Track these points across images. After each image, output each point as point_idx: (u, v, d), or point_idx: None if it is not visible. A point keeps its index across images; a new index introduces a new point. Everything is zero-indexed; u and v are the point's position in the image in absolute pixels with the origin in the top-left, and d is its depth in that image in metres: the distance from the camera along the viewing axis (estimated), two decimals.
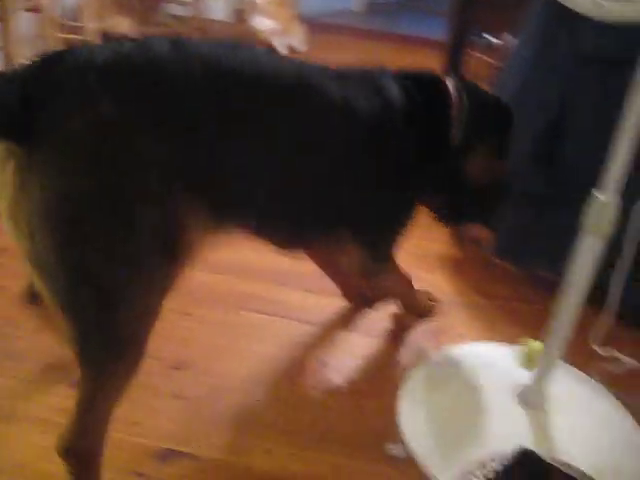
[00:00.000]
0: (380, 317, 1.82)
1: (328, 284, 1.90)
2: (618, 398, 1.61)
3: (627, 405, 1.60)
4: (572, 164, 1.83)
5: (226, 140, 1.13)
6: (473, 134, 1.49)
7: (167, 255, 1.08)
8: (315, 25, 5.22)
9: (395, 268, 1.63)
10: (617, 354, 1.71)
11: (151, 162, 1.02)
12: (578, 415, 1.55)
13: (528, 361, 1.64)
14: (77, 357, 1.04)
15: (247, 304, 1.82)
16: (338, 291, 1.88)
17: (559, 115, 1.84)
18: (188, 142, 1.07)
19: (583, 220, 1.29)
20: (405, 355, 1.70)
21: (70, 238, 0.97)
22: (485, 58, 3.50)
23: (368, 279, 1.62)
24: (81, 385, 1.07)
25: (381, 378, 1.61)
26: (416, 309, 1.80)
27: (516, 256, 2.03)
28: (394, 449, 1.41)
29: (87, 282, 1.00)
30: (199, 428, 1.41)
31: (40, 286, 1.01)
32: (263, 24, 4.46)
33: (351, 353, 1.69)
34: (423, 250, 2.15)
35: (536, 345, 1.63)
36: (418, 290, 1.78)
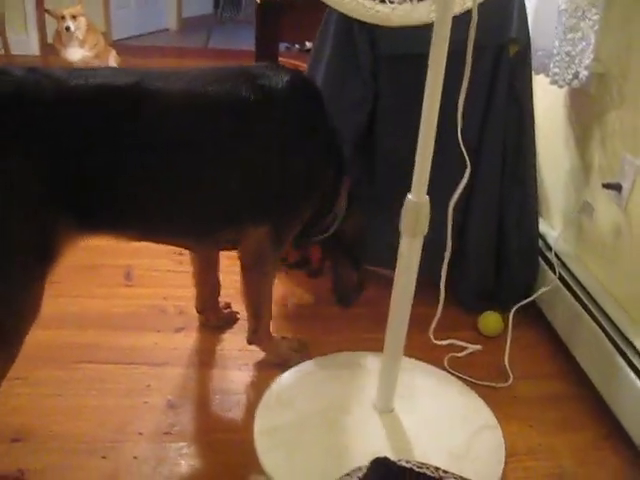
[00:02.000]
0: (230, 348, 1.78)
1: (169, 320, 1.84)
2: (465, 379, 1.69)
3: (472, 384, 1.68)
4: (389, 162, 1.87)
5: (101, 153, 1.24)
6: None
7: (39, 258, 1.21)
8: (129, 48, 5.09)
9: (274, 276, 1.65)
10: (456, 341, 1.76)
11: (22, 179, 1.15)
12: (429, 408, 1.58)
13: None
14: None
15: (86, 356, 1.71)
16: (181, 326, 1.82)
17: (371, 115, 1.87)
18: (55, 159, 1.18)
19: (400, 222, 1.31)
20: (258, 381, 1.67)
21: None
22: (298, 64, 3.54)
23: (256, 269, 1.59)
24: None
25: (236, 410, 1.57)
26: (268, 345, 1.73)
27: None
28: None
29: None
30: None
31: None
32: (75, 54, 4.28)
33: (203, 389, 1.63)
34: None
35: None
36: (286, 338, 1.78)
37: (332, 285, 1.95)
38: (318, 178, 1.58)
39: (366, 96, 1.84)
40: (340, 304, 1.96)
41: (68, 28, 4.14)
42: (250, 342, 1.71)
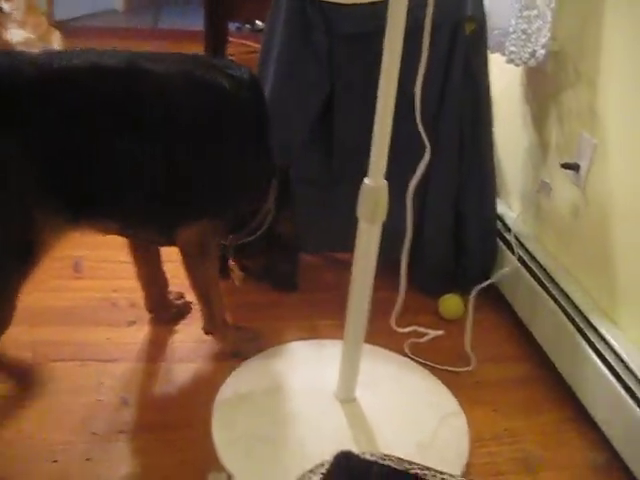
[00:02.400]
0: (184, 340, 1.73)
1: (120, 314, 1.78)
2: (427, 365, 1.67)
3: (435, 370, 1.66)
4: (347, 145, 1.83)
5: (77, 141, 1.19)
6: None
7: (22, 255, 1.17)
8: (74, 29, 4.93)
9: (217, 261, 1.61)
10: (418, 328, 1.73)
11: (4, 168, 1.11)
12: (392, 396, 1.56)
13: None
14: None
15: (34, 354, 1.63)
16: (133, 320, 1.76)
17: (329, 95, 1.82)
18: (39, 146, 1.14)
19: (358, 207, 1.27)
20: (214, 374, 1.61)
21: None
22: (250, 44, 3.49)
23: (199, 258, 1.55)
24: None
25: (193, 405, 1.51)
26: (219, 327, 1.67)
27: (308, 242, 2.01)
28: (216, 478, 1.33)
29: None
30: None
31: None
32: (16, 36, 4.13)
33: (158, 384, 1.58)
34: None
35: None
36: (240, 328, 1.72)
37: (271, 283, 1.94)
38: (264, 170, 1.59)
39: (322, 77, 1.79)
40: (288, 291, 1.94)
41: (1, 9, 3.98)
42: (207, 332, 1.66)
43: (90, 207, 1.28)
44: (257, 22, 4.69)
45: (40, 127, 1.14)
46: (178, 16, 5.86)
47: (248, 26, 5.21)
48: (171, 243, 1.54)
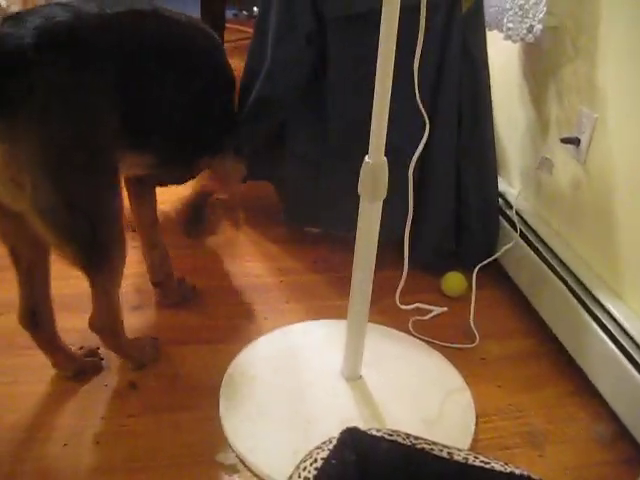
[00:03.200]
0: (189, 324, 1.74)
1: (125, 299, 1.77)
2: (431, 342, 1.69)
3: (439, 347, 1.68)
4: (342, 125, 1.83)
5: (144, 92, 1.36)
6: None
7: (117, 181, 1.35)
8: None
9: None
10: (421, 306, 1.73)
11: (99, 114, 1.26)
12: (397, 373, 1.57)
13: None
14: (84, 270, 1.37)
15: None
16: (138, 305, 1.78)
17: (313, 74, 1.83)
18: (121, 98, 1.29)
19: (359, 185, 1.27)
20: (220, 356, 1.62)
21: (62, 179, 1.21)
22: (247, 29, 3.49)
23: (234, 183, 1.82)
24: (92, 284, 1.42)
25: (200, 388, 1.52)
26: None
27: (309, 219, 2.02)
28: (225, 458, 1.34)
29: (78, 209, 1.26)
30: None
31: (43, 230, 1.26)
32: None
33: (165, 368, 1.58)
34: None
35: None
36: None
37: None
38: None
39: (301, 58, 1.81)
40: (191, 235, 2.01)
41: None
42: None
43: (139, 138, 1.41)
44: (254, 8, 4.67)
45: (111, 67, 1.27)
46: (174, 3, 5.84)
47: (245, 12, 5.20)
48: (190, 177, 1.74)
